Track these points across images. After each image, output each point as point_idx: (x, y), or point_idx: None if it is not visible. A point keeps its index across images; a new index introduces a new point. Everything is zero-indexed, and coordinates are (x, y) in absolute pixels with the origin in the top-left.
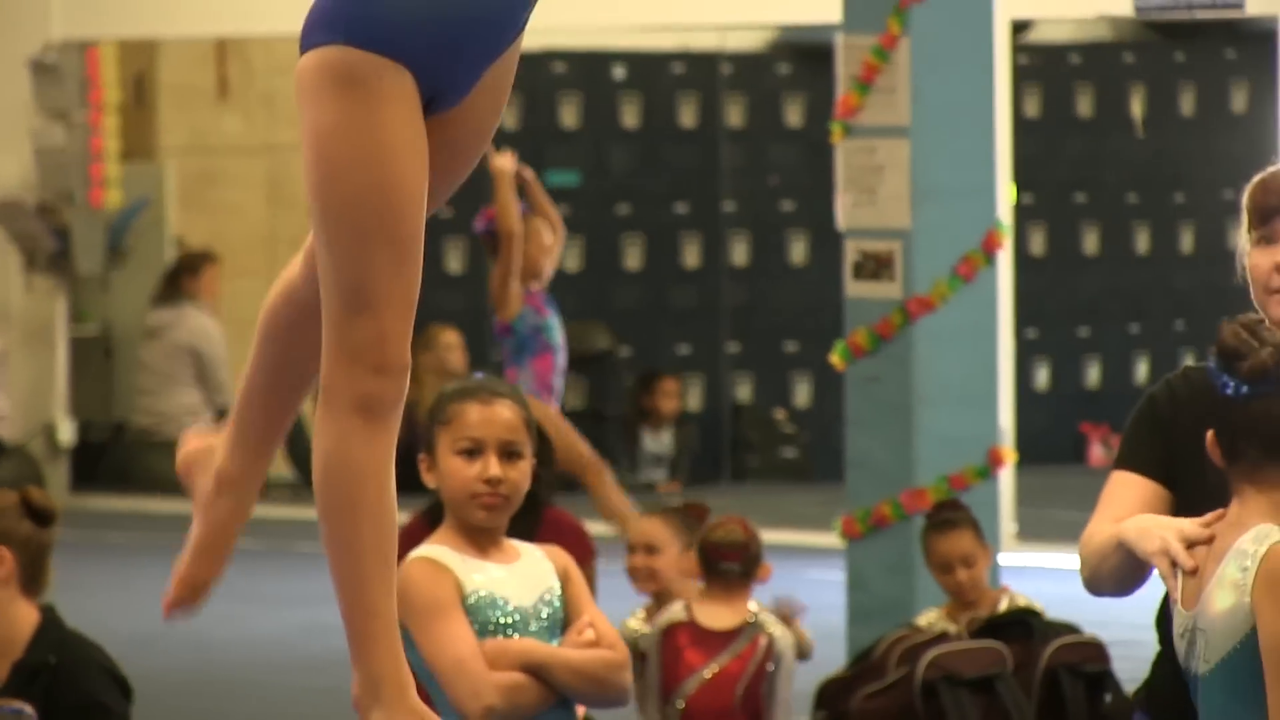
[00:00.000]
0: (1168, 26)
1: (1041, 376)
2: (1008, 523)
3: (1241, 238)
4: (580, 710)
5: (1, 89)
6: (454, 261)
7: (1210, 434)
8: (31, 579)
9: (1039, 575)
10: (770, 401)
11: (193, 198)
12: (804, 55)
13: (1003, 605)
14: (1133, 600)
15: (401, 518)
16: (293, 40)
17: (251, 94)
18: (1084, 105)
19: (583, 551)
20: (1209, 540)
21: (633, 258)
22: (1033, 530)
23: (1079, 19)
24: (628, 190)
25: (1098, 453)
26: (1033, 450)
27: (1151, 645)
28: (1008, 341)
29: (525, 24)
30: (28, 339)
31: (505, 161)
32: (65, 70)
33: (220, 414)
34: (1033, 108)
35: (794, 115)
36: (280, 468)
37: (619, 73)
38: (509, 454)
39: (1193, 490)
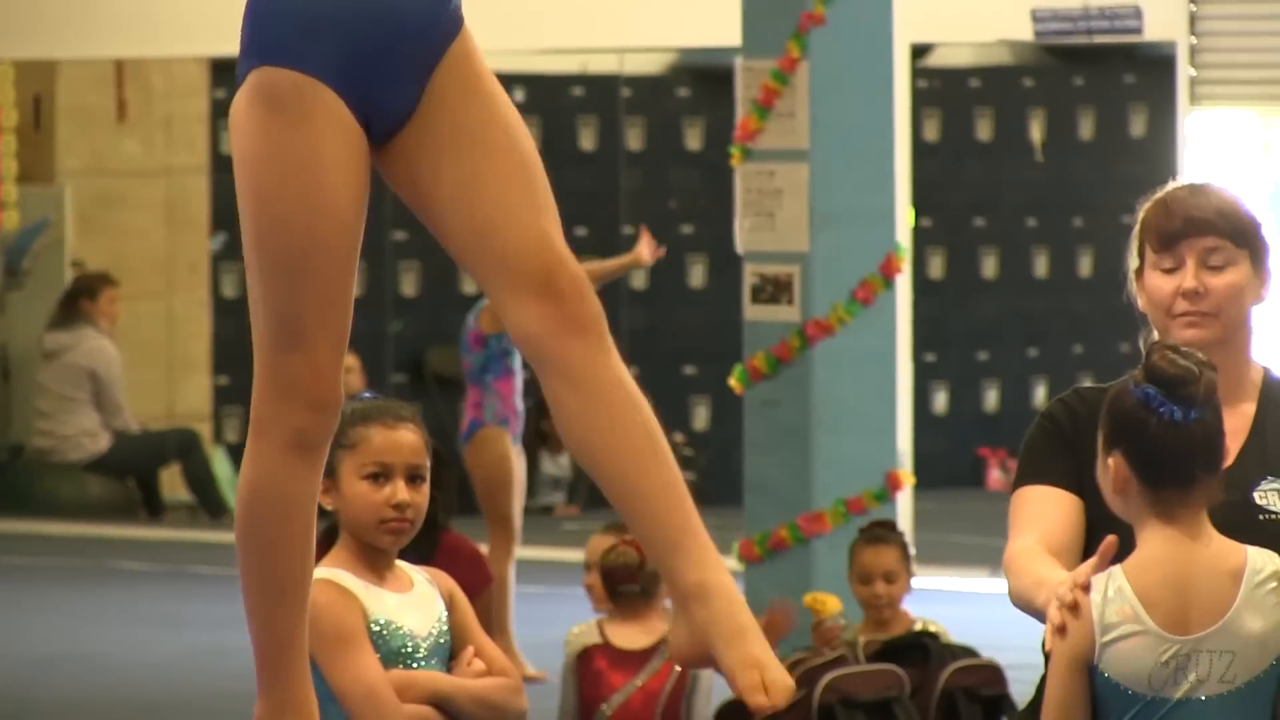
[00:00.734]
0: (1067, 51)
1: (940, 400)
2: None
3: (1132, 258)
4: None
5: None
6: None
7: (1119, 461)
8: None
9: (937, 598)
10: (669, 425)
11: (91, 220)
12: (703, 78)
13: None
14: (1031, 624)
15: None
16: (191, 62)
17: (150, 117)
18: (983, 129)
19: (480, 578)
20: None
21: None
22: (931, 554)
23: (979, 43)
24: None
25: (996, 476)
26: (931, 474)
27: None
28: (906, 365)
29: (453, 26)
30: None
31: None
32: None
33: (117, 435)
34: (932, 132)
35: (693, 139)
36: (178, 490)
37: (519, 96)
38: (414, 478)
39: (1100, 505)
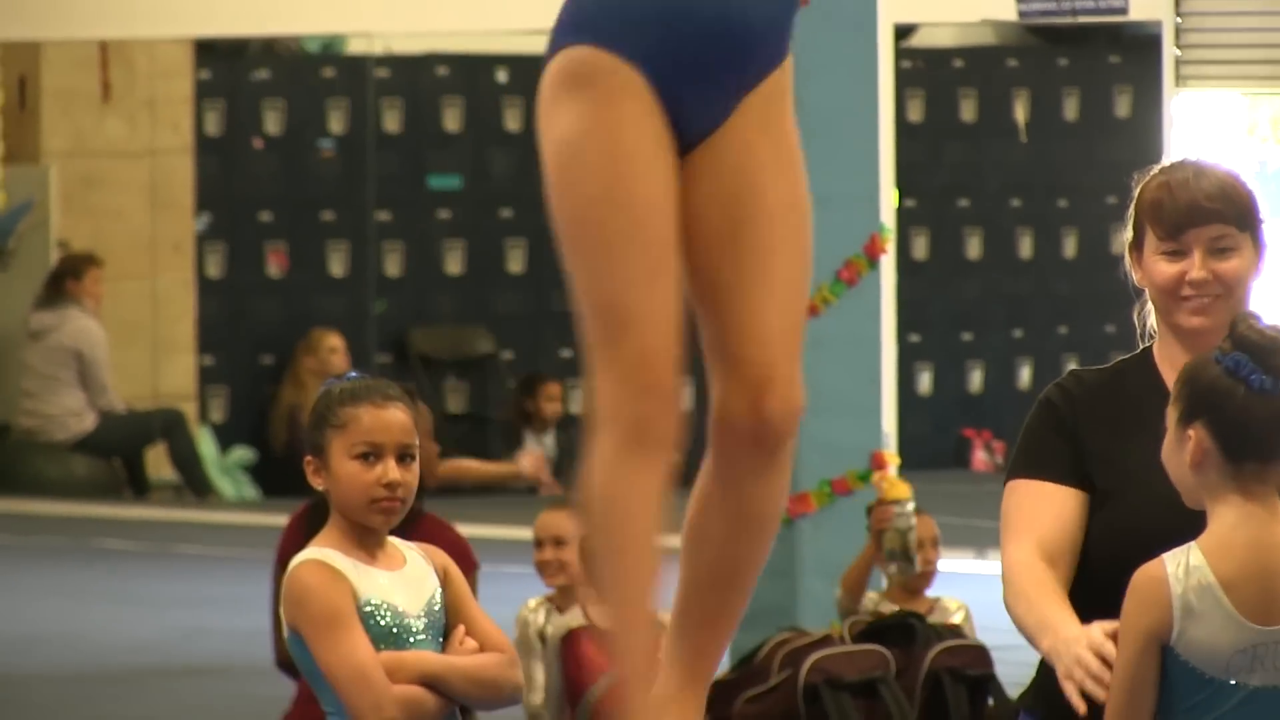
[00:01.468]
0: (1051, 31)
1: (924, 381)
2: None
3: (1128, 230)
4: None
5: None
6: (336, 265)
7: (1200, 432)
8: None
9: None
10: None
11: (75, 201)
12: None
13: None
14: None
15: (282, 519)
16: (175, 43)
17: (134, 98)
18: (967, 110)
19: (464, 564)
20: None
21: (515, 261)
22: None
23: (962, 24)
24: (510, 194)
25: (980, 458)
26: (915, 455)
27: (1033, 650)
28: (890, 346)
29: (782, 51)
30: None
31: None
32: None
33: (102, 415)
34: (916, 112)
35: None
36: (163, 470)
37: (502, 77)
38: (404, 457)
39: (1112, 485)
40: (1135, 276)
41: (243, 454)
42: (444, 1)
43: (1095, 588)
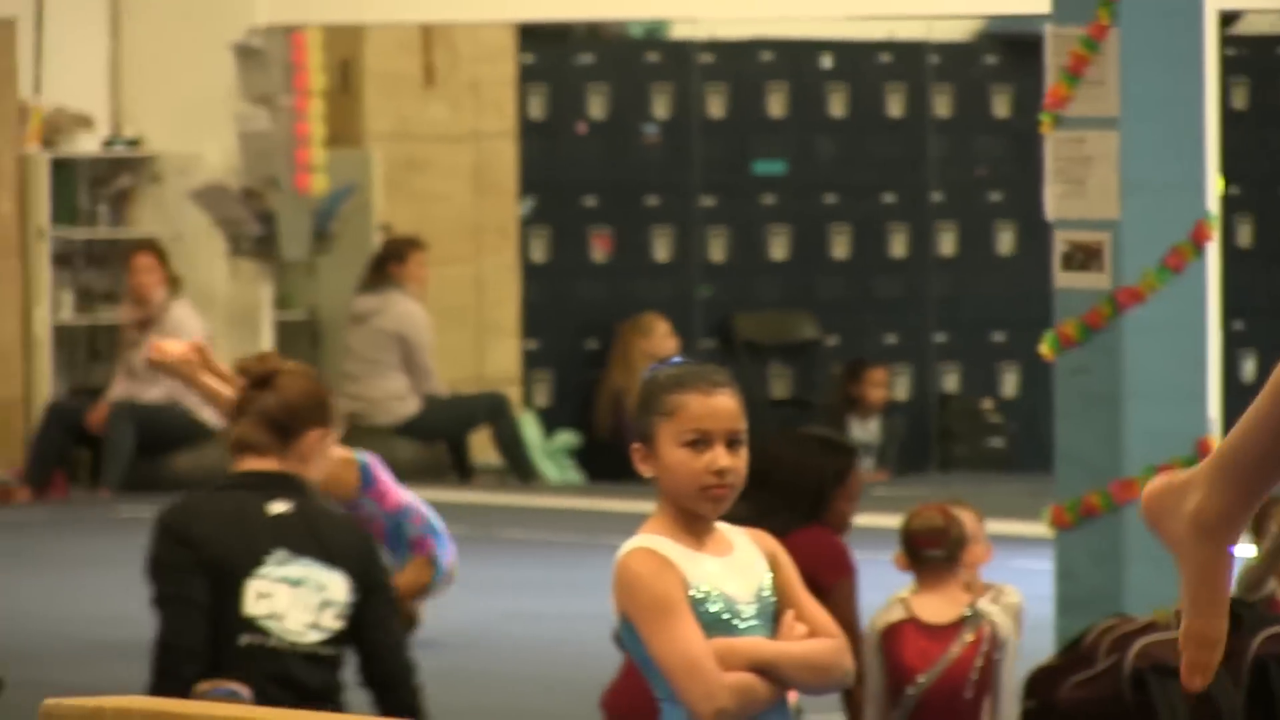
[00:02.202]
0: None
1: (1248, 368)
2: None
3: None
4: (792, 696)
5: (206, 73)
6: (661, 250)
7: None
8: None
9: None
10: (977, 391)
11: (398, 184)
12: (1011, 46)
13: None
14: None
15: (607, 504)
16: (498, 27)
17: (457, 81)
18: None
19: (840, 570)
20: None
21: (839, 247)
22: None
23: None
24: (834, 180)
25: None
26: None
27: None
28: (1215, 333)
29: None
30: (232, 323)
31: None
32: (270, 55)
33: (426, 399)
34: (1240, 100)
35: (1001, 106)
36: (488, 454)
37: (826, 62)
38: (733, 443)
39: None
40: None
41: (567, 438)
42: None
43: None
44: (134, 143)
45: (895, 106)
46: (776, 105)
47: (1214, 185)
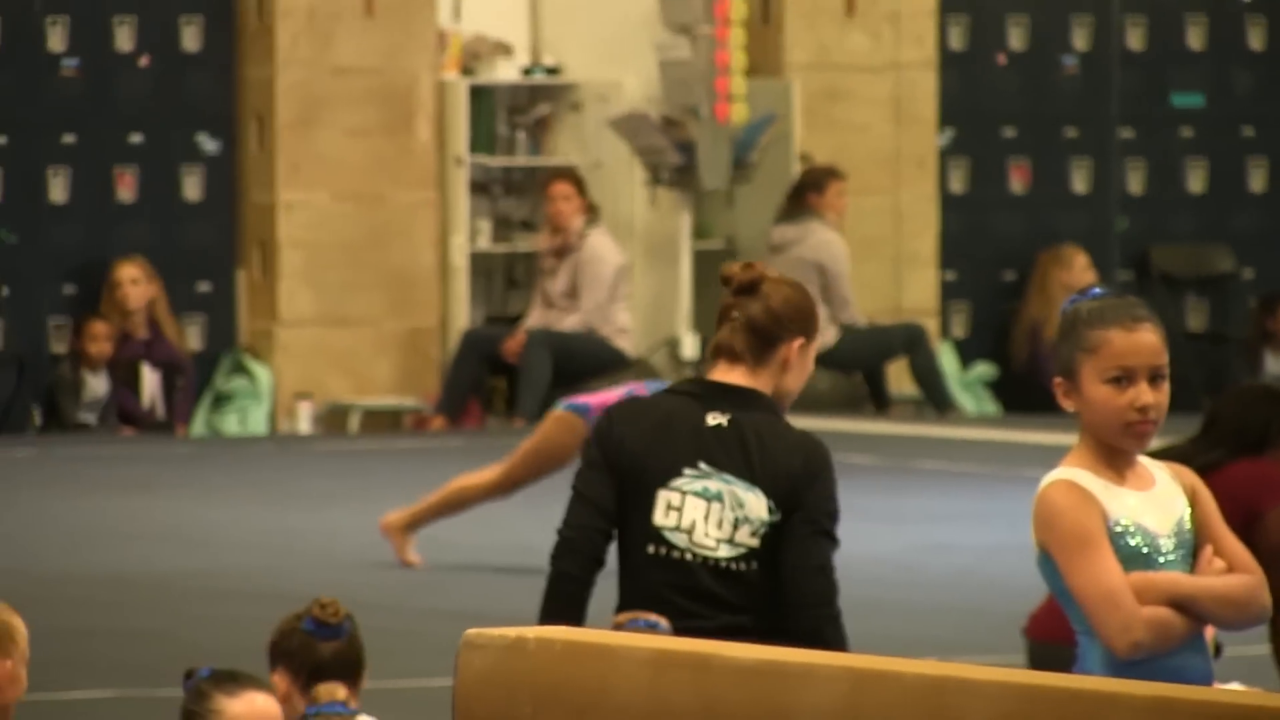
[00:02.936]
0: None
1: None
2: None
3: None
4: (1209, 631)
5: (627, 2)
6: (1079, 182)
7: None
8: None
9: None
10: None
11: (818, 114)
12: None
13: None
14: None
15: (1023, 435)
16: None
17: (878, 12)
18: None
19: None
20: None
21: (1257, 180)
22: None
23: None
24: (1252, 113)
25: None
26: None
27: None
28: None
29: None
30: (650, 253)
31: None
32: None
33: (844, 329)
34: None
35: None
36: (905, 385)
37: None
38: (1156, 378)
39: None
40: None
41: (984, 369)
42: None
43: None
44: (553, 71)
45: None
46: (1195, 38)
47: None
